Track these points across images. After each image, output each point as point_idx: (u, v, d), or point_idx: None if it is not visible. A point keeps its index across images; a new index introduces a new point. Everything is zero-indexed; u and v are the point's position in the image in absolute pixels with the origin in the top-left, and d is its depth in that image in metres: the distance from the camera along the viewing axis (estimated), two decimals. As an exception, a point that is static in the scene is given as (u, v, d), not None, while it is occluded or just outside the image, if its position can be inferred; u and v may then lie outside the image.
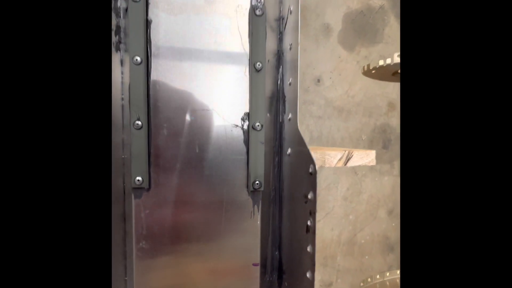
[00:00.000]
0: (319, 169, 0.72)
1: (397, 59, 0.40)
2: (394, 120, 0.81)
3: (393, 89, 0.80)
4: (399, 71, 0.47)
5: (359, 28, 0.78)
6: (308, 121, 0.76)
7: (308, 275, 0.22)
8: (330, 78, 0.76)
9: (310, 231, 0.23)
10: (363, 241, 0.81)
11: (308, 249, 0.23)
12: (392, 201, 0.82)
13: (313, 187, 0.23)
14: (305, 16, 0.74)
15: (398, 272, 0.54)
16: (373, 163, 0.32)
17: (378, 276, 0.52)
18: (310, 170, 0.23)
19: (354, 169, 0.79)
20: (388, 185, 0.82)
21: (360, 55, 0.78)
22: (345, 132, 0.78)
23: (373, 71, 0.44)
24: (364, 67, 0.45)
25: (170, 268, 0.25)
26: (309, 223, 0.23)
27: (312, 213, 0.23)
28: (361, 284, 0.50)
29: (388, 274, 0.53)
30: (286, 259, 0.29)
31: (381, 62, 0.42)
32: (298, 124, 0.26)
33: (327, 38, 0.76)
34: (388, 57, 0.41)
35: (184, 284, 0.25)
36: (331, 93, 0.77)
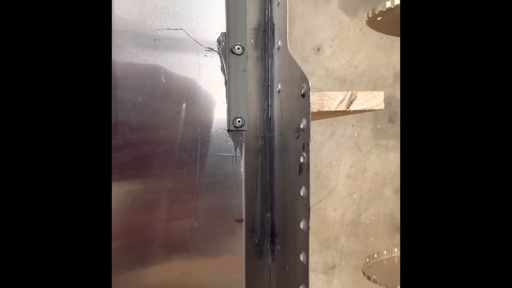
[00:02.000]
0: (318, 148, 0.65)
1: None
2: (399, 93, 0.76)
3: (398, 58, 0.75)
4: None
5: (362, -9, 0.71)
6: (307, 94, 0.71)
7: (301, 225, 0.18)
8: (331, 46, 0.71)
9: (304, 169, 0.18)
10: (368, 222, 0.76)
11: (302, 192, 0.18)
12: (399, 178, 0.77)
13: (306, 112, 0.18)
14: (302, -21, 0.68)
15: (408, 248, 0.49)
16: (381, 106, 0.27)
17: (385, 252, 0.48)
18: (302, 92, 0.18)
19: (358, 145, 0.74)
20: (394, 162, 0.77)
21: (363, 21, 0.72)
22: (348, 105, 0.73)
23: (378, 18, 0.39)
24: (368, 13, 0.39)
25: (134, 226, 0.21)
26: (302, 159, 0.18)
27: (306, 146, 0.18)
28: (367, 260, 0.46)
29: (396, 250, 0.49)
30: (279, 221, 0.24)
31: (388, 4, 0.36)
32: (289, 50, 0.21)
33: (327, 2, 0.70)
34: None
35: (157, 246, 0.21)
36: (332, 63, 0.71)
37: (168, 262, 0.21)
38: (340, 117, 0.74)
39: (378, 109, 0.27)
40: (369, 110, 0.28)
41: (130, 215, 0.21)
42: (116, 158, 0.20)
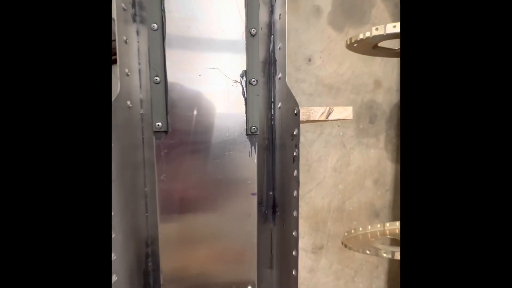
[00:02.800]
0: (309, 144, 0.77)
1: (375, 32, 0.46)
2: (380, 97, 0.88)
3: (379, 68, 0.86)
4: (378, 44, 0.52)
5: (347, 10, 0.82)
6: (300, 98, 0.82)
7: (294, 193, 0.28)
8: (320, 57, 0.82)
9: (295, 160, 0.29)
10: (351, 208, 0.89)
11: (294, 173, 0.29)
12: (378, 171, 0.90)
13: (297, 125, 0.29)
14: (296, -2, 0.79)
15: (379, 225, 0.61)
16: (350, 117, 0.38)
17: (360, 229, 0.60)
18: (295, 111, 0.29)
19: (343, 143, 0.86)
20: (374, 157, 0.89)
21: (348, 35, 0.83)
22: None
23: (355, 45, 0.50)
24: (347, 40, 0.50)
25: (186, 199, 0.31)
26: (294, 153, 0.29)
27: (297, 145, 0.29)
28: (345, 234, 0.57)
29: (369, 227, 0.61)
30: (279, 197, 0.36)
31: (361, 36, 0.47)
32: (286, 81, 0.32)
33: (317, 19, 0.81)
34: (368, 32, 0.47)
35: (200, 206, 0.31)
36: (321, 71, 0.82)
37: (206, 217, 0.32)
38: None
39: (348, 119, 0.38)
40: (342, 119, 0.39)
41: (183, 187, 0.31)
42: (175, 152, 0.30)
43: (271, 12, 0.35)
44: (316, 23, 0.81)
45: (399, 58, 0.72)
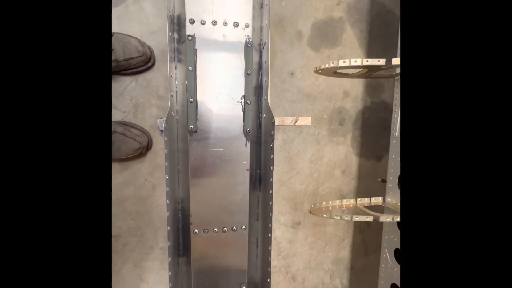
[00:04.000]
0: (290, 142, 0.99)
1: (332, 64, 0.66)
2: (348, 104, 1.09)
3: (347, 81, 1.08)
4: (337, 70, 0.73)
5: (323, 34, 1.03)
6: (284, 104, 1.02)
7: (271, 168, 0.49)
8: (301, 72, 1.02)
9: (272, 149, 0.50)
10: (323, 193, 1.11)
11: (271, 157, 0.50)
12: (345, 164, 1.12)
13: (273, 129, 0.50)
14: (282, 25, 0.99)
15: (338, 201, 0.83)
16: (309, 123, 0.59)
17: (324, 203, 0.81)
18: (272, 121, 0.50)
19: (318, 140, 1.08)
20: (342, 152, 1.11)
21: (323, 55, 1.04)
22: (312, 112, 1.06)
23: (320, 71, 0.71)
24: (314, 68, 0.71)
25: (207, 171, 0.52)
26: (272, 145, 0.50)
27: (273, 140, 0.50)
28: (312, 206, 0.79)
29: (331, 202, 0.83)
30: (263, 173, 0.56)
31: (323, 66, 0.68)
32: (269, 102, 0.53)
33: (299, 41, 1.01)
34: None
35: (214, 175, 0.52)
36: (302, 83, 1.03)
37: (218, 182, 0.52)
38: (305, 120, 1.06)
39: (308, 124, 0.59)
40: (304, 125, 0.60)
41: (205, 164, 0.51)
42: (200, 143, 0.50)
43: (260, 56, 0.56)
44: (298, 44, 1.01)
45: (375, 60, 0.93)
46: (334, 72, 0.74)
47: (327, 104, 1.07)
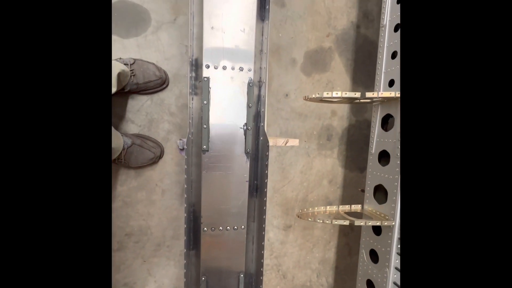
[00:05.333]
0: (283, 154, 1.14)
1: (317, 95, 0.81)
2: (335, 122, 1.24)
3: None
4: (322, 99, 0.88)
5: (314, 62, 1.18)
6: (279, 122, 1.17)
7: (266, 180, 0.63)
8: (294, 93, 1.17)
9: (267, 166, 0.64)
10: (312, 199, 1.25)
11: (266, 172, 0.64)
12: (332, 174, 1.26)
13: (268, 150, 0.64)
14: (279, 53, 1.14)
15: (322, 207, 0.97)
16: (297, 144, 0.74)
17: (310, 209, 0.95)
18: (267, 144, 0.64)
19: (308, 153, 1.22)
20: (329, 164, 1.26)
21: (314, 79, 1.19)
22: (303, 129, 1.20)
23: (308, 99, 0.86)
24: (303, 97, 0.86)
25: (216, 181, 0.65)
26: (266, 162, 0.64)
27: (268, 159, 0.64)
28: (300, 211, 0.93)
29: (317, 208, 0.97)
30: (259, 184, 0.70)
31: (310, 96, 0.83)
32: (265, 128, 0.67)
33: (293, 67, 1.16)
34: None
35: (221, 185, 0.66)
36: (295, 103, 1.18)
37: (224, 190, 0.66)
38: (298, 134, 1.21)
39: (296, 145, 0.74)
40: (294, 145, 0.74)
41: (214, 175, 0.65)
42: (211, 160, 0.64)
43: (259, 91, 0.70)
44: (292, 70, 1.16)
45: (352, 93, 1.07)
46: (320, 100, 0.89)
47: (317, 121, 1.22)
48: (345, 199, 1.28)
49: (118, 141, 0.91)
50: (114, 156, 0.93)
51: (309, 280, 1.30)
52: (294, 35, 1.14)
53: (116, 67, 0.82)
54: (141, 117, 1.01)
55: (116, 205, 1.02)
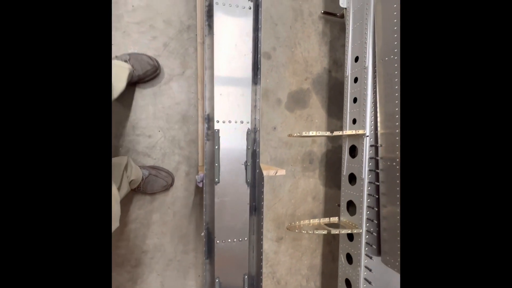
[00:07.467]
0: (274, 177, 1.39)
1: (297, 134, 1.06)
2: (315, 148, 1.50)
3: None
4: (302, 136, 1.13)
5: (296, 100, 1.46)
6: (269, 150, 1.41)
7: (262, 203, 0.86)
8: (281, 127, 1.43)
9: (263, 192, 0.87)
10: (299, 214, 1.48)
11: (262, 196, 0.86)
12: (315, 192, 1.51)
13: (263, 180, 0.87)
14: (267, 95, 1.40)
15: (307, 221, 1.20)
16: (284, 173, 0.98)
17: (297, 222, 1.18)
18: (262, 175, 0.88)
19: (294, 175, 1.46)
20: (312, 183, 1.50)
21: (296, 114, 1.46)
22: (289, 155, 1.45)
23: (291, 136, 1.11)
24: (288, 135, 1.11)
25: (225, 205, 0.88)
26: (263, 190, 0.87)
27: (263, 186, 0.87)
28: (288, 224, 1.15)
29: (302, 222, 1.20)
30: (256, 206, 0.93)
31: (293, 134, 1.08)
32: (260, 163, 0.91)
33: (279, 105, 1.43)
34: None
35: (229, 208, 0.88)
36: (281, 134, 1.43)
37: (232, 212, 0.88)
38: (285, 160, 1.45)
39: (283, 174, 0.98)
40: (281, 174, 0.98)
41: (224, 201, 0.87)
42: (221, 189, 0.87)
43: (255, 136, 0.95)
44: (278, 108, 1.42)
45: (324, 132, 1.33)
46: (301, 136, 1.14)
47: (300, 148, 1.47)
48: (327, 212, 1.52)
49: (138, 173, 1.12)
50: (135, 185, 1.13)
51: (299, 285, 1.50)
52: (278, 80, 1.42)
53: (125, 68, 0.93)
54: (156, 151, 1.23)
55: (134, 226, 1.21)
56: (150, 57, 1.13)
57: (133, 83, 1.16)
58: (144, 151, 1.21)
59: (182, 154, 1.26)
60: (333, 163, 1.52)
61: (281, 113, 1.42)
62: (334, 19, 1.48)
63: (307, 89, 1.47)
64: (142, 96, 1.20)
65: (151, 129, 1.21)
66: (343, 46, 1.51)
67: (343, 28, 1.49)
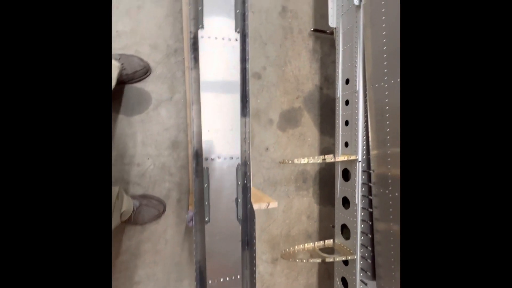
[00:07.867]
0: (269, 195, 1.34)
1: (290, 162, 1.04)
2: (308, 167, 1.49)
3: (308, 152, 1.48)
4: (295, 163, 1.12)
5: (288, 119, 1.44)
6: (262, 171, 1.39)
7: (253, 226, 0.84)
8: (273, 147, 1.41)
9: (254, 227, 0.85)
10: (294, 234, 1.47)
11: (254, 220, 0.85)
12: (309, 210, 1.50)
13: (254, 216, 0.85)
14: (259, 115, 1.38)
15: (301, 245, 1.19)
16: (276, 206, 0.96)
17: (291, 248, 1.17)
18: (253, 211, 0.86)
19: (288, 195, 1.45)
20: (306, 202, 1.49)
21: (289, 133, 1.44)
22: (282, 175, 1.44)
23: (282, 163, 1.09)
24: (279, 162, 1.09)
25: (216, 243, 0.86)
26: (254, 226, 0.85)
27: (254, 222, 0.85)
28: (283, 251, 1.14)
29: (300, 246, 1.18)
30: (249, 241, 0.91)
31: (283, 161, 1.06)
32: (251, 199, 0.89)
33: (271, 125, 1.41)
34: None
35: (220, 241, 0.86)
36: (274, 155, 1.41)
37: (220, 248, 0.86)
38: (279, 180, 1.43)
39: (275, 206, 0.96)
40: (274, 207, 0.96)
41: (215, 235, 0.85)
42: (212, 227, 0.85)
43: (245, 170, 0.92)
44: (270, 128, 1.41)
45: (317, 159, 1.32)
46: (293, 163, 1.13)
47: (293, 168, 1.46)
48: (322, 230, 1.51)
49: (129, 204, 1.09)
50: (126, 217, 1.10)
51: (296, 304, 1.50)
52: (269, 100, 1.40)
53: (115, 66, 0.94)
54: (145, 179, 1.20)
55: (125, 258, 1.18)
56: (141, 59, 1.13)
57: (122, 82, 1.13)
58: (134, 180, 1.17)
59: (172, 180, 1.23)
60: (326, 181, 1.51)
61: (273, 133, 1.41)
62: (324, 35, 1.46)
63: (299, 107, 1.46)
64: (130, 124, 1.16)
65: (139, 157, 1.18)
66: (334, 62, 1.50)
67: (333, 45, 1.47)
